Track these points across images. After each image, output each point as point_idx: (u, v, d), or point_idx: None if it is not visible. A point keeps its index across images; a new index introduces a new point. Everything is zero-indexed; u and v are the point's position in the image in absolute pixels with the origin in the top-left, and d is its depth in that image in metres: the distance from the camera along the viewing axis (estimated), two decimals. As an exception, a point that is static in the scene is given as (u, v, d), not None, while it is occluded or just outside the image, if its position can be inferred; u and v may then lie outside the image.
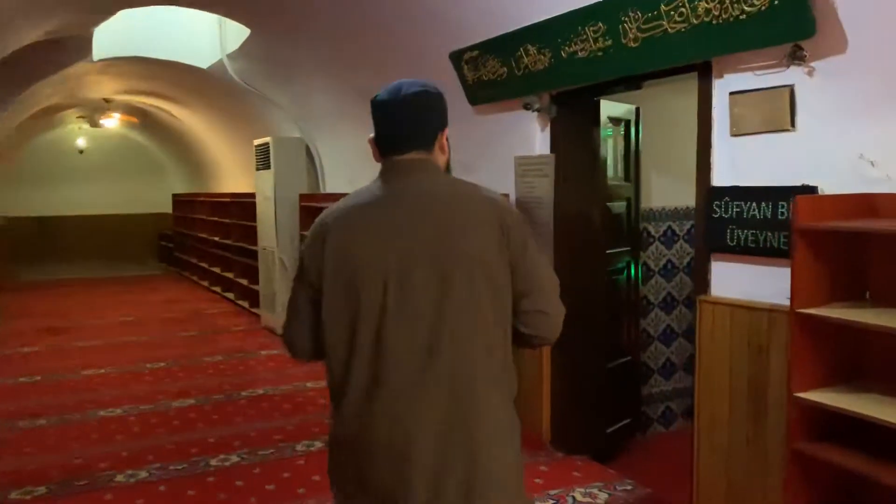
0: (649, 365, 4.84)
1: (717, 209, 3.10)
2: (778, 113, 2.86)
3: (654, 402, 4.88)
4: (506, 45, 4.02)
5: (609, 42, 3.37)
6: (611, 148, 4.41)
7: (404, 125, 1.66)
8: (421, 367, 1.58)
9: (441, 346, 1.57)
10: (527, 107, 4.05)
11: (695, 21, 2.93)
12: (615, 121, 4.38)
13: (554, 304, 1.72)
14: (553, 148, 4.18)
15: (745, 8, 2.71)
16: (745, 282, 3.03)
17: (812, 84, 2.73)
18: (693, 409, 3.28)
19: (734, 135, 3.03)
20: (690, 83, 4.02)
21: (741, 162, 3.03)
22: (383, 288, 1.59)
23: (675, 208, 4.88)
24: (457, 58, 4.48)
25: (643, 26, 3.17)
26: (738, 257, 3.04)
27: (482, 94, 4.45)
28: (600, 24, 3.37)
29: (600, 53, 3.45)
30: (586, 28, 3.45)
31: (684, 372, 4.99)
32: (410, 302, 1.58)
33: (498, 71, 4.18)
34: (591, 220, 4.21)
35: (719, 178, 3.13)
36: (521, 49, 3.91)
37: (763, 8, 2.65)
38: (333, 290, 1.63)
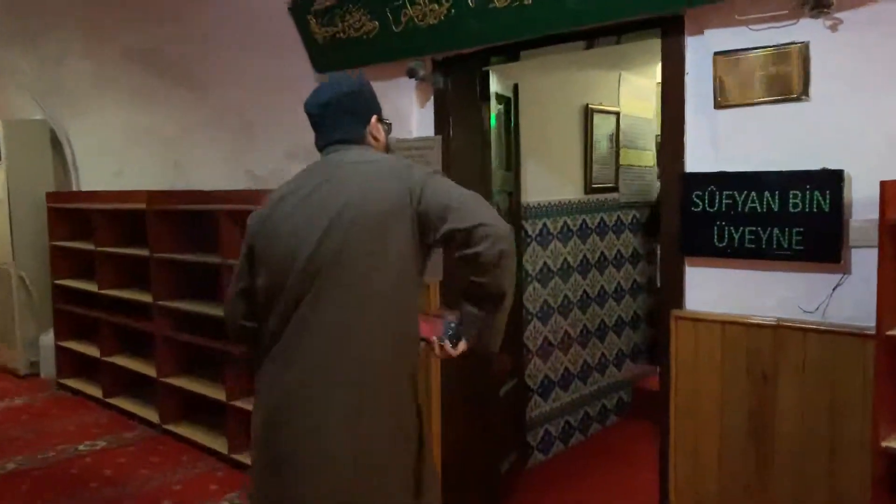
0: (529, 385, 4.17)
1: (697, 201, 2.46)
2: (786, 78, 2.27)
3: (534, 426, 4.22)
4: (381, -9, 3.08)
5: (546, -15, 2.58)
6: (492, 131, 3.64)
7: (325, 130, 1.82)
8: (304, 324, 1.69)
9: (328, 302, 1.67)
10: (411, 74, 3.13)
11: (685, -45, 2.24)
12: (498, 98, 3.62)
13: (484, 216, 1.65)
14: (438, 128, 3.30)
15: (769, -64, 2.08)
16: (740, 292, 2.42)
17: (836, 40, 2.17)
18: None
19: (720, 107, 2.40)
20: (561, 58, 3.42)
21: (730, 141, 2.41)
22: (287, 253, 1.71)
23: (549, 203, 4.25)
24: (301, 8, 3.42)
25: (602, -37, 2.42)
26: (730, 261, 2.41)
27: (337, 56, 3.43)
28: (534, -39, 2.57)
29: (528, 2, 2.65)
30: (512, -34, 2.63)
31: (561, 389, 4.41)
32: (309, 263, 1.68)
33: (365, 26, 3.21)
34: (484, 218, 3.40)
35: (697, 161, 2.48)
36: (406, -4, 2.99)
37: (798, -65, 2.03)
38: (259, 257, 1.78)
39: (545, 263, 4.21)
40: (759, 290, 2.37)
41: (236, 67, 4.06)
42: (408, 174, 1.69)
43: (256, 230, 1.79)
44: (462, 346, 1.79)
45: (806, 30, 2.21)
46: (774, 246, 2.31)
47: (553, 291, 4.29)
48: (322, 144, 1.81)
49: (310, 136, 3.92)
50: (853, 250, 2.20)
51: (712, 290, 2.47)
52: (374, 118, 1.82)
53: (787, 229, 2.28)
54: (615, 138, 4.74)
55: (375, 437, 1.70)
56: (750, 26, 2.30)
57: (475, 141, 3.36)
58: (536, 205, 4.15)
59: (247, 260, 1.82)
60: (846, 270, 2.22)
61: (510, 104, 3.77)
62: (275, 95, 3.93)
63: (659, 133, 5.37)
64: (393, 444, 1.73)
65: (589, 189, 4.54)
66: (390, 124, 1.87)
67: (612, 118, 4.68)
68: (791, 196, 2.27)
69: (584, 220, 4.49)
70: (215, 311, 3.97)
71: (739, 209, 2.37)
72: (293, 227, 1.70)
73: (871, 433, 1.86)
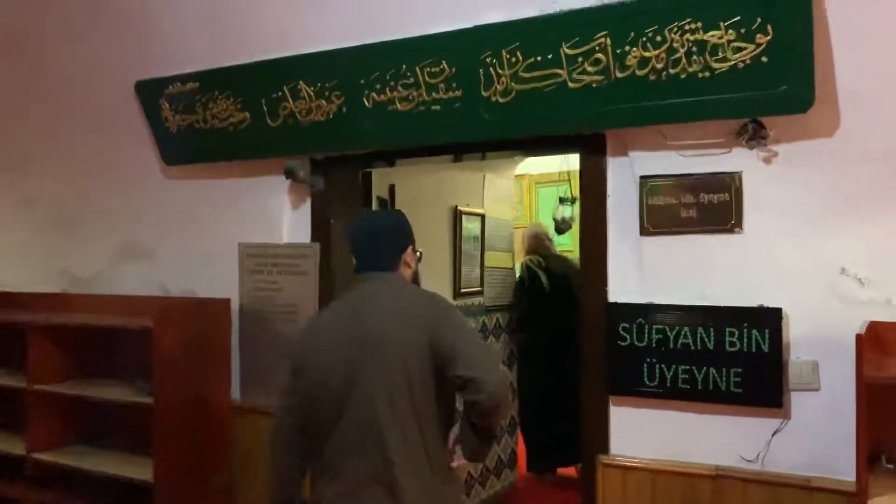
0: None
1: (624, 335, 2.24)
2: (718, 208, 2.15)
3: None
4: (257, 80, 2.67)
5: (457, 93, 2.32)
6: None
7: (366, 258, 1.94)
8: (338, 449, 1.79)
9: (356, 430, 1.76)
10: (290, 174, 2.71)
11: (619, 75, 2.07)
12: (380, 201, 3.30)
13: (483, 368, 1.74)
14: (315, 235, 2.89)
15: (713, 63, 1.96)
16: (674, 436, 2.20)
17: (771, 173, 2.08)
18: None
19: (647, 233, 2.23)
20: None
21: (658, 270, 2.23)
22: (320, 382, 1.82)
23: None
24: (151, 90, 2.92)
25: (524, 74, 2.20)
26: (663, 402, 2.20)
27: (194, 148, 2.94)
28: (445, 66, 2.31)
29: (436, 107, 2.37)
30: (419, 68, 2.35)
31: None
32: (337, 391, 1.78)
33: (233, 117, 2.77)
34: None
35: (621, 291, 2.28)
36: (288, 87, 2.60)
37: (743, 64, 1.92)
38: (297, 381, 1.91)
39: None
40: (695, 436, 2.17)
41: (55, 149, 3.41)
42: (429, 309, 1.81)
43: (297, 354, 1.93)
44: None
45: (739, 160, 2.11)
46: (711, 387, 2.13)
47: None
48: (360, 269, 1.94)
49: (148, 237, 3.39)
50: (793, 394, 2.07)
51: (642, 433, 2.24)
52: (409, 248, 1.96)
53: (724, 369, 2.12)
54: (481, 241, 4.56)
55: None
56: (680, 152, 2.17)
57: (356, 250, 2.98)
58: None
59: (292, 380, 1.92)
60: (786, 415, 2.07)
61: (387, 206, 3.46)
62: (108, 186, 3.33)
63: (515, 232, 5.31)
64: None
65: (458, 293, 4.28)
66: (422, 253, 2.05)
67: (478, 220, 4.51)
68: (728, 334, 2.12)
69: (452, 328, 4.21)
70: (15, 447, 3.18)
71: (671, 345, 2.18)
72: (325, 357, 1.82)
73: None
